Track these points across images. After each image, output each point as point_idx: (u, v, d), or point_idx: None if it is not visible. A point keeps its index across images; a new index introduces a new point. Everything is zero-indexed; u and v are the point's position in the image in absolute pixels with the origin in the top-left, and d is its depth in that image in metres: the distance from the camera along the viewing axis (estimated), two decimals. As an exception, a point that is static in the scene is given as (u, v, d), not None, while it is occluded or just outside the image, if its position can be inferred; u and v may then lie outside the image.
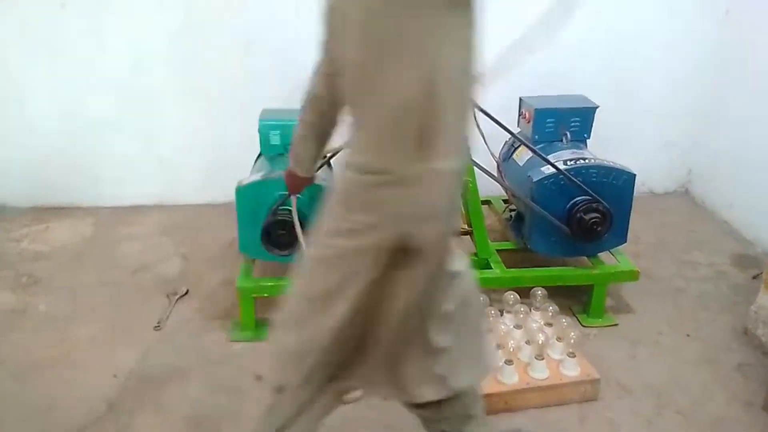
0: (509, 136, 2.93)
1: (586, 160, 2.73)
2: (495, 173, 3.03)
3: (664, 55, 3.83)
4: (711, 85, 3.87)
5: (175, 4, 3.49)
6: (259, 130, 2.85)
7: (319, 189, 2.56)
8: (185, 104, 3.70)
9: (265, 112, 2.93)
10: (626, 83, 3.86)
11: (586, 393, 2.34)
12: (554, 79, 3.40)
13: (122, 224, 3.67)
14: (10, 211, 3.79)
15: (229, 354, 2.58)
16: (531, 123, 2.94)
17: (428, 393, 1.59)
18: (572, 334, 2.43)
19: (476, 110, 2.64)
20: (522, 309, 2.60)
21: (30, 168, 3.77)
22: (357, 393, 1.79)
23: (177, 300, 2.93)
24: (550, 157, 2.70)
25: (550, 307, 2.61)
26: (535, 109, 2.93)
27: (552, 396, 2.32)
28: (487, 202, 3.32)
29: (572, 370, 2.34)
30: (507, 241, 3.11)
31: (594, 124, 2.98)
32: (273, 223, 2.55)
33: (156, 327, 2.73)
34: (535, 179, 2.71)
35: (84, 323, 2.76)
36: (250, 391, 2.38)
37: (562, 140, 2.93)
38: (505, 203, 3.30)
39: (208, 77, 3.65)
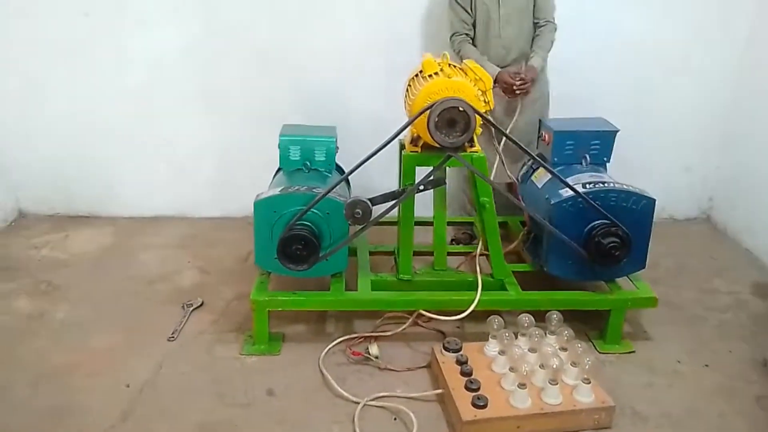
0: (528, 157, 2.93)
1: (606, 184, 2.71)
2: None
3: (684, 79, 3.82)
4: (732, 110, 3.84)
5: (194, 17, 3.55)
6: (279, 145, 2.88)
7: (337, 205, 2.58)
8: (204, 116, 3.75)
9: (285, 127, 2.96)
10: (647, 107, 3.85)
11: (600, 420, 2.30)
12: (574, 102, 3.39)
13: (141, 234, 3.71)
14: (31, 218, 3.85)
15: (241, 367, 2.59)
16: (550, 145, 2.94)
17: None
18: (587, 359, 2.39)
19: (496, 132, 2.65)
20: (537, 332, 2.57)
21: (50, 176, 3.84)
22: None
23: (192, 311, 2.95)
24: (569, 180, 2.68)
25: (566, 332, 2.57)
26: (555, 132, 2.92)
27: (565, 422, 2.28)
28: (504, 224, 3.31)
29: (586, 397, 2.30)
30: (523, 262, 3.09)
31: (614, 148, 2.97)
32: (289, 238, 2.55)
33: (170, 338, 2.75)
34: (553, 201, 2.69)
35: (100, 332, 2.78)
36: (262, 404, 2.38)
37: (581, 163, 2.92)
38: (522, 225, 3.29)
39: (227, 90, 3.70)
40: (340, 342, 2.71)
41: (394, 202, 2.60)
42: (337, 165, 3.01)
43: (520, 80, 3.13)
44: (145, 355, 2.63)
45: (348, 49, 3.60)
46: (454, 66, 2.70)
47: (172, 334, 2.77)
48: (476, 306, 2.65)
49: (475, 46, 3.26)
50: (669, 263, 3.49)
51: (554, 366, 2.38)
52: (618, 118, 3.08)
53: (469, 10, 3.19)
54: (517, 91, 3.14)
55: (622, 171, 3.03)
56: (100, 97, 3.68)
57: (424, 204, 2.82)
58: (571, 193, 2.64)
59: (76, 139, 3.76)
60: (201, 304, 3.00)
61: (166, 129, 3.77)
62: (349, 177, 2.68)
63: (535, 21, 3.27)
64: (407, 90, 2.75)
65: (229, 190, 3.86)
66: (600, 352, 2.74)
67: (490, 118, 2.57)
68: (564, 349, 2.52)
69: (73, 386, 2.44)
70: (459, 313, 2.64)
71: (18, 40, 3.57)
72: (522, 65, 3.23)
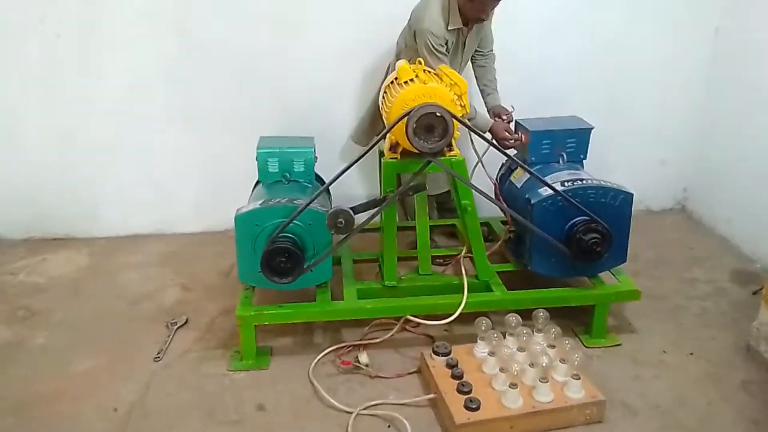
0: (506, 158, 2.95)
1: (584, 181, 2.75)
2: (492, 195, 3.04)
3: (656, 74, 3.88)
4: (703, 102, 3.93)
5: (169, 32, 3.50)
6: (257, 158, 2.86)
7: (319, 215, 2.57)
8: (181, 132, 3.70)
9: (263, 139, 2.94)
10: (619, 103, 3.91)
11: (591, 415, 2.32)
12: (548, 100, 3.43)
13: (119, 254, 3.65)
14: (6, 243, 3.76)
15: (230, 384, 2.56)
16: (527, 145, 2.97)
17: None
18: (576, 355, 2.41)
19: (473, 134, 2.67)
20: (524, 331, 2.59)
21: (25, 199, 3.75)
22: None
23: (176, 330, 2.90)
24: (548, 179, 2.71)
25: (553, 329, 2.60)
26: (531, 132, 2.95)
27: (557, 419, 2.30)
28: (486, 224, 3.33)
29: (577, 393, 2.33)
30: (507, 262, 3.11)
31: (590, 144, 3.00)
32: (273, 251, 2.54)
33: (156, 358, 2.70)
34: (533, 201, 2.72)
35: (83, 356, 2.72)
36: (253, 420, 2.36)
37: (558, 161, 2.95)
38: (503, 225, 3.31)
39: (204, 105, 3.66)
40: (329, 352, 2.69)
41: (376, 209, 2.60)
42: (316, 175, 3.00)
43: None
44: (132, 377, 2.59)
45: (325, 59, 3.59)
46: (429, 71, 2.71)
47: (158, 354, 2.73)
48: (463, 308, 2.66)
49: None
50: (648, 255, 3.55)
51: (544, 364, 2.40)
52: (593, 116, 3.13)
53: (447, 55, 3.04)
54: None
55: (599, 167, 3.07)
56: (74, 118, 3.61)
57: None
58: (550, 191, 2.67)
59: (51, 160, 3.68)
60: (185, 322, 2.96)
61: (143, 146, 3.71)
62: (330, 187, 2.68)
63: (479, 51, 3.28)
64: (383, 98, 2.75)
65: (208, 204, 3.82)
66: (587, 347, 2.77)
67: (467, 122, 2.58)
68: (552, 347, 2.54)
69: (58, 414, 2.39)
70: (446, 317, 2.65)
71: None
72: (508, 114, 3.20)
